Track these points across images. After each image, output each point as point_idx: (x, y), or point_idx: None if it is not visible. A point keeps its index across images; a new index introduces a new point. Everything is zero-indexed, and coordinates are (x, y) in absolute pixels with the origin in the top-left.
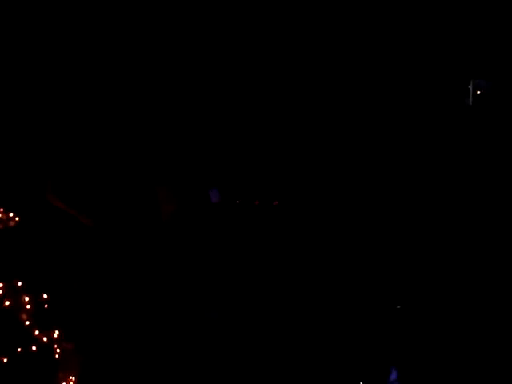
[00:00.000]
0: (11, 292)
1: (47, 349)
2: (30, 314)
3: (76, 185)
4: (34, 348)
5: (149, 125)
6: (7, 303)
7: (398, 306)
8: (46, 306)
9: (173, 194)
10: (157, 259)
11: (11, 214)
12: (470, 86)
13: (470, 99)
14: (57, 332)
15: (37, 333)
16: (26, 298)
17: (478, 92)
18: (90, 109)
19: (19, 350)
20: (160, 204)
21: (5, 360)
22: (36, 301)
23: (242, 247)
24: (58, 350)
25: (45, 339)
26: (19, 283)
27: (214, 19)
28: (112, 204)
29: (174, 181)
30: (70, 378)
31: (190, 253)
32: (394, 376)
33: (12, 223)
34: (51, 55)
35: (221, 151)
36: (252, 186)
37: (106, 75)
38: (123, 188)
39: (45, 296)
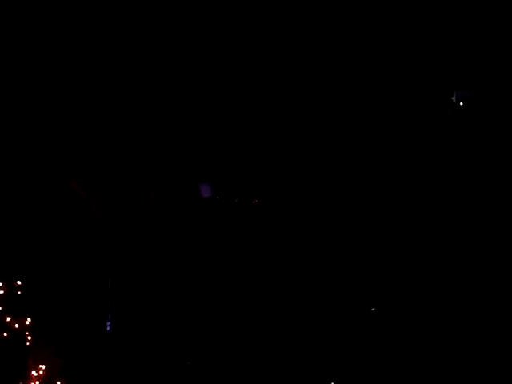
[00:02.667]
0: None
1: (18, 336)
2: (3, 301)
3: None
4: (5, 334)
5: (147, 119)
6: None
7: (373, 309)
8: (19, 292)
9: (161, 185)
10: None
11: None
12: (454, 98)
13: (452, 108)
14: (29, 319)
15: (9, 319)
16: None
17: (461, 103)
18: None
19: None
20: (150, 193)
21: None
22: (9, 287)
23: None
24: (29, 338)
25: (16, 326)
26: None
27: (214, 19)
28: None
29: (166, 173)
30: (40, 366)
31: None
32: None
33: None
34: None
35: (214, 147)
36: (238, 183)
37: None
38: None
39: (18, 282)
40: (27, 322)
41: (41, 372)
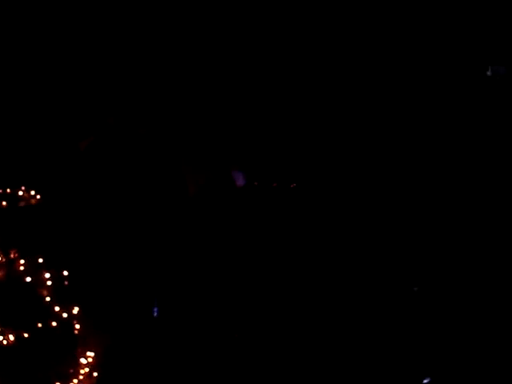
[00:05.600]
0: (32, 268)
1: (67, 325)
2: (51, 291)
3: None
4: (53, 324)
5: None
6: (28, 279)
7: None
8: (66, 282)
9: (198, 174)
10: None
11: (33, 192)
12: (489, 72)
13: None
14: (76, 308)
15: (57, 309)
16: (47, 275)
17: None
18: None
19: (39, 325)
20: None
21: (25, 335)
22: (56, 277)
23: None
24: (77, 327)
25: (64, 315)
26: (40, 260)
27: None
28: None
29: (201, 161)
30: (89, 354)
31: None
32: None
33: (33, 201)
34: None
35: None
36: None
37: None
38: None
39: (65, 273)
40: (75, 311)
41: (90, 359)
